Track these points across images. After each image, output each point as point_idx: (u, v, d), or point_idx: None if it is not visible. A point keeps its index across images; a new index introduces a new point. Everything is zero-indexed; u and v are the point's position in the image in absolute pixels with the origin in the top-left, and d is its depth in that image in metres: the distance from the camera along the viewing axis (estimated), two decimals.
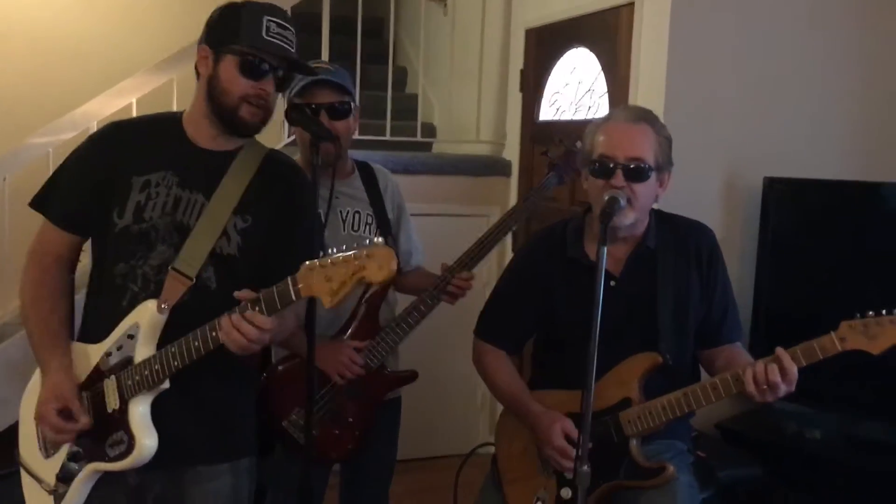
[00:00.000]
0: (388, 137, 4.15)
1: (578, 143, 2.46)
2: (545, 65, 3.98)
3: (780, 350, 1.86)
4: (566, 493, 2.07)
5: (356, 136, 3.90)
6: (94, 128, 3.25)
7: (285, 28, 1.77)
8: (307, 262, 1.55)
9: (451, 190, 4.05)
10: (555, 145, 2.55)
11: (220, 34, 1.78)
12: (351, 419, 2.36)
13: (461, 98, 4.58)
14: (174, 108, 3.52)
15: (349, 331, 2.38)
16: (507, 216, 2.44)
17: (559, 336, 2.22)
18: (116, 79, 3.43)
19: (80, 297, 1.91)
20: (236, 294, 1.65)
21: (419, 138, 4.39)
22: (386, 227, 2.46)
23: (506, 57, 4.34)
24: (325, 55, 3.91)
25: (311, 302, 1.80)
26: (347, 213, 2.40)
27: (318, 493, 2.42)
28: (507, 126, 4.33)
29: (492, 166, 4.20)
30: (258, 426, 2.02)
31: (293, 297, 1.58)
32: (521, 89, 4.17)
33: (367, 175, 2.50)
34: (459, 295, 2.38)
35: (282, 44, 1.76)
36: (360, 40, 4.12)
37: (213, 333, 1.66)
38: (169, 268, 1.76)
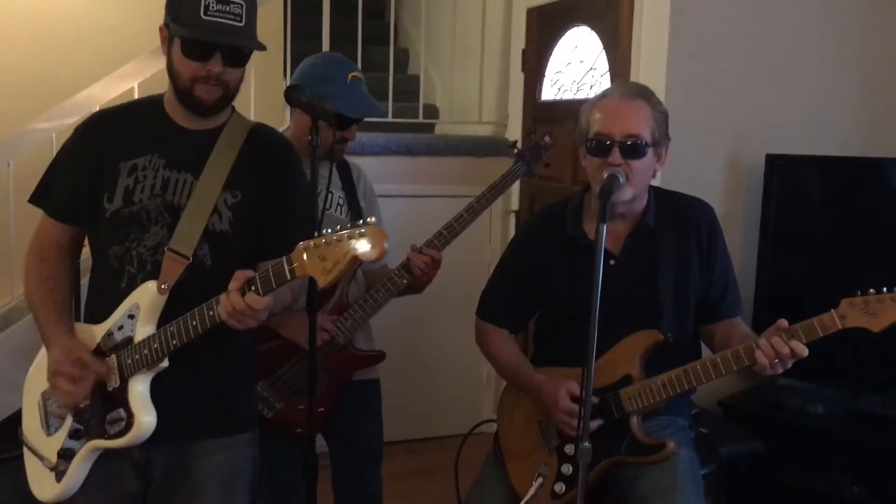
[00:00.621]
0: (390, 119, 4.14)
1: (547, 138, 2.64)
2: (547, 44, 3.97)
3: (781, 321, 1.87)
4: (567, 468, 2.09)
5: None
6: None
7: (227, 2, 1.71)
8: (301, 243, 1.56)
9: (453, 171, 4.05)
10: (526, 138, 2.65)
11: (168, 16, 1.77)
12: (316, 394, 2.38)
13: (463, 79, 4.57)
14: None
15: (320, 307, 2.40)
16: (475, 201, 2.49)
17: (560, 315, 2.23)
18: (119, 62, 3.42)
19: (85, 282, 1.94)
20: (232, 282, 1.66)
21: (421, 120, 4.38)
22: (357, 212, 2.50)
23: (507, 37, 4.32)
24: (326, 37, 3.89)
25: (312, 286, 1.82)
26: (321, 192, 2.42)
27: (292, 472, 2.40)
28: (510, 106, 4.32)
29: (494, 147, 4.19)
30: None
31: (288, 277, 1.59)
32: (523, 69, 4.16)
33: (341, 164, 2.54)
34: (423, 277, 2.41)
35: (222, 20, 1.71)
36: (360, 22, 4.11)
37: (211, 312, 1.68)
38: (165, 248, 1.77)
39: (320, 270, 1.53)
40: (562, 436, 2.13)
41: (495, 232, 4.22)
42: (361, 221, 1.51)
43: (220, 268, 1.78)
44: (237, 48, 1.77)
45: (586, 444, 1.80)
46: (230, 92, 1.81)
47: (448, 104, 4.86)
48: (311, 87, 2.31)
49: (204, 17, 1.70)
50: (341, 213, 2.49)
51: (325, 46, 3.89)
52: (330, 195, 2.44)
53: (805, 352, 1.84)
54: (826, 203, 3.15)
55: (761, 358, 1.87)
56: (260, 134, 1.92)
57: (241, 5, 1.74)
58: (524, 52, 4.15)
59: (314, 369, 1.91)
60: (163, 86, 1.91)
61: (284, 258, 1.59)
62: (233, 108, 1.92)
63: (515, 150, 2.70)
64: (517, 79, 4.23)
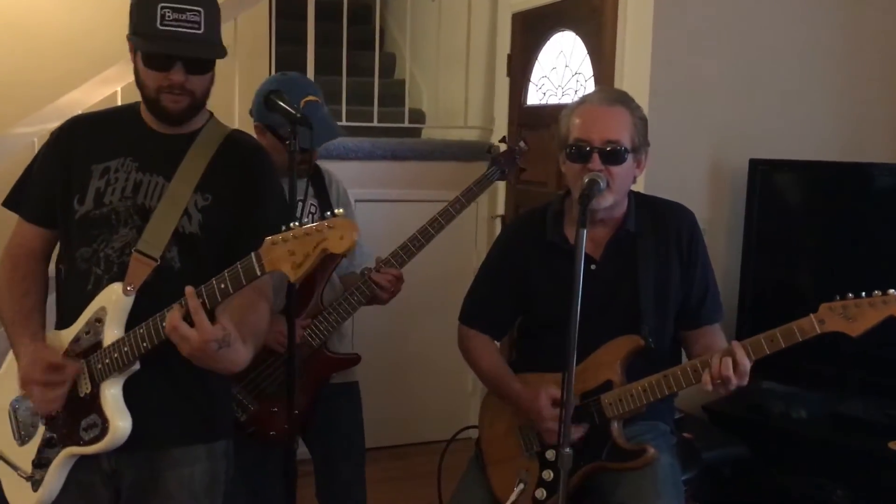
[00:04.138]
0: (375, 124, 4.14)
1: (521, 143, 2.68)
2: (532, 49, 3.98)
3: (734, 343, 1.89)
4: (548, 474, 2.09)
5: (344, 122, 3.94)
6: None
7: (183, 11, 1.69)
8: (269, 237, 1.54)
9: (439, 175, 4.04)
10: (503, 142, 2.75)
11: (129, 28, 1.76)
12: None
13: (449, 83, 4.57)
14: None
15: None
16: (448, 207, 2.52)
17: (540, 320, 2.22)
18: (101, 67, 3.41)
19: None
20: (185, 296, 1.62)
21: (407, 124, 4.38)
22: None
23: (493, 42, 4.33)
24: (310, 41, 3.89)
25: (290, 293, 1.81)
26: (299, 202, 2.42)
27: (271, 478, 2.41)
28: (495, 111, 4.32)
29: (480, 151, 4.18)
30: None
31: (258, 272, 1.57)
32: (509, 74, 4.16)
33: (313, 170, 2.54)
34: (386, 294, 2.45)
35: (179, 29, 1.69)
36: (346, 26, 4.10)
37: None
38: (132, 250, 1.76)
39: (290, 265, 1.51)
40: (542, 441, 2.13)
41: (481, 236, 4.23)
42: (329, 213, 1.49)
43: (188, 270, 1.76)
44: (195, 56, 1.75)
45: (567, 450, 1.79)
46: (197, 100, 1.80)
47: (434, 109, 4.86)
48: (261, 117, 2.33)
49: (160, 28, 1.69)
50: (312, 221, 2.46)
51: (311, 51, 3.88)
52: (300, 203, 2.43)
53: (746, 362, 1.85)
54: (809, 208, 3.16)
55: (706, 382, 1.88)
56: (235, 140, 1.91)
57: (199, 12, 1.72)
58: (509, 56, 4.15)
59: (292, 374, 1.90)
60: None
61: (253, 253, 1.56)
62: (210, 114, 1.92)
63: (491, 155, 2.71)
64: (503, 83, 4.23)
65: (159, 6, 1.69)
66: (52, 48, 4.30)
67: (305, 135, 2.05)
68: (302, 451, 2.54)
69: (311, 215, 2.48)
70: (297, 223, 1.52)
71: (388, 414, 3.90)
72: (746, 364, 1.86)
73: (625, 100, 2.12)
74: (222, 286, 1.61)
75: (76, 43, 4.24)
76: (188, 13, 1.70)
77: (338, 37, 4.08)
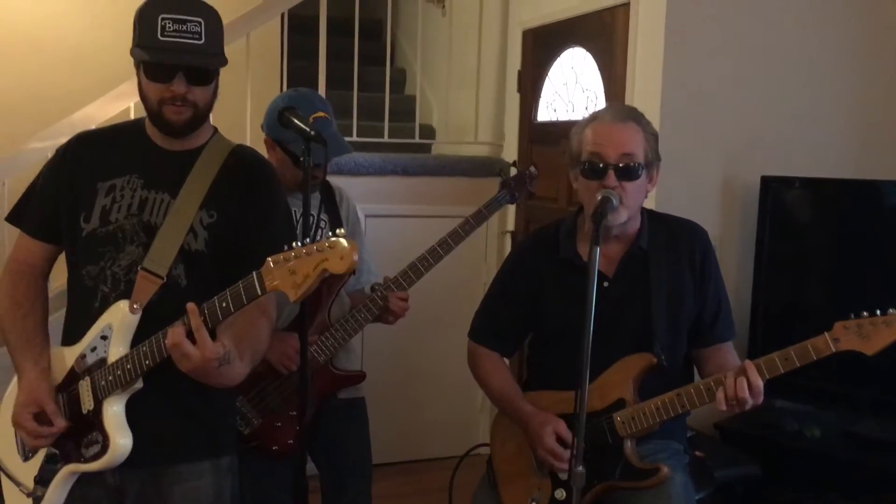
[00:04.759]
0: (386, 139, 4.15)
1: (532, 169, 2.68)
2: (542, 65, 3.98)
3: (748, 362, 1.87)
4: (560, 493, 2.07)
5: (355, 138, 3.95)
6: None
7: (183, 21, 1.70)
8: (271, 257, 1.55)
9: (449, 191, 4.05)
10: (513, 166, 2.77)
11: (133, 41, 1.77)
12: (293, 413, 2.38)
13: (459, 99, 4.58)
14: None
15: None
16: (457, 229, 2.52)
17: (553, 337, 2.21)
18: (115, 82, 3.43)
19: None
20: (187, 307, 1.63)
21: (417, 140, 4.39)
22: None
23: (503, 58, 4.34)
24: (322, 57, 3.90)
25: (303, 307, 1.81)
26: (312, 217, 2.43)
27: (278, 490, 2.39)
28: (506, 127, 4.33)
29: (490, 167, 4.20)
30: None
31: (258, 292, 1.58)
32: (519, 90, 4.17)
33: (324, 186, 2.55)
34: (395, 315, 2.46)
35: (180, 40, 1.70)
36: (357, 42, 4.12)
37: None
38: (139, 268, 1.76)
39: (290, 284, 1.52)
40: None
41: (491, 252, 4.22)
42: (331, 234, 1.50)
43: (194, 287, 1.77)
44: (196, 66, 1.75)
45: (580, 468, 1.78)
46: (200, 111, 1.80)
47: (444, 124, 4.87)
48: (272, 132, 2.34)
49: (161, 39, 1.70)
50: (321, 237, 2.47)
51: (322, 66, 3.90)
52: (310, 218, 2.44)
53: (759, 382, 1.84)
54: (821, 225, 3.15)
55: (720, 402, 1.87)
56: (240, 155, 1.91)
57: (200, 22, 1.72)
58: (520, 73, 4.16)
59: (304, 390, 1.90)
60: None
61: (255, 273, 1.57)
62: (215, 129, 1.92)
63: (502, 178, 2.72)
64: (513, 99, 4.24)
65: (160, 18, 1.69)
66: (66, 64, 4.33)
67: (318, 150, 2.07)
68: (309, 466, 2.54)
69: (320, 230, 2.48)
70: (297, 243, 1.53)
71: (398, 430, 3.89)
72: (760, 384, 1.85)
73: (636, 116, 2.12)
74: (223, 305, 1.61)
75: (90, 58, 4.28)
76: (189, 24, 1.71)
77: (349, 52, 4.10)
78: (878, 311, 1.77)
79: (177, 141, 1.84)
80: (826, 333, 1.80)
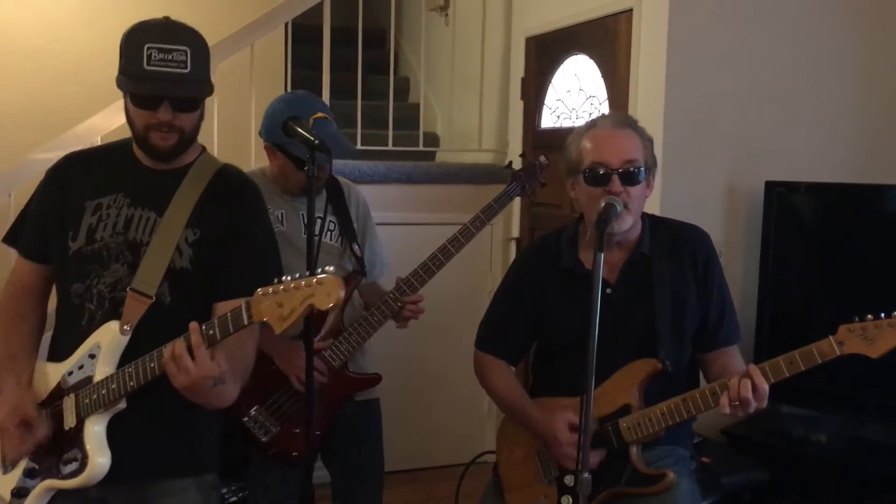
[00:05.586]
0: (390, 147, 4.16)
1: (542, 158, 2.64)
2: (546, 72, 3.99)
3: (752, 366, 1.87)
4: (567, 500, 2.07)
5: (359, 146, 3.96)
6: (98, 143, 3.27)
7: (169, 51, 1.71)
8: (260, 289, 1.57)
9: (454, 199, 4.05)
10: (522, 158, 2.73)
11: (119, 67, 1.79)
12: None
13: (463, 107, 4.59)
14: None
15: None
16: (468, 224, 2.51)
17: (557, 345, 2.21)
18: (119, 93, 3.44)
19: None
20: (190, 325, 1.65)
21: (421, 148, 4.39)
22: (351, 235, 2.51)
23: (506, 65, 4.35)
24: (326, 66, 3.92)
25: (308, 324, 1.83)
26: (318, 222, 2.44)
27: (295, 498, 2.41)
28: (509, 134, 4.34)
29: (494, 175, 4.19)
30: (231, 437, 2.03)
31: (245, 322, 1.60)
32: (523, 97, 4.18)
33: (332, 185, 2.54)
34: (411, 317, 2.47)
35: (165, 69, 1.71)
36: (360, 51, 4.14)
37: None
38: (128, 289, 1.77)
39: (277, 317, 1.55)
40: (561, 467, 2.11)
41: (496, 259, 4.22)
42: (320, 270, 1.53)
43: (178, 306, 1.79)
44: (183, 95, 1.77)
45: (586, 475, 1.78)
46: (186, 136, 1.82)
47: (448, 132, 4.88)
48: (272, 137, 2.34)
49: (147, 68, 1.71)
50: (332, 239, 2.49)
51: (326, 75, 3.92)
52: (318, 221, 2.44)
53: (764, 385, 1.84)
54: (825, 229, 3.14)
55: (723, 405, 1.87)
56: (225, 174, 1.92)
57: (186, 51, 1.73)
58: (523, 80, 4.17)
59: (311, 400, 1.90)
60: None
61: (243, 303, 1.60)
62: (203, 148, 1.94)
63: (511, 171, 2.70)
64: (516, 107, 4.25)
65: (145, 47, 1.71)
66: (71, 75, 4.36)
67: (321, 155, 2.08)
68: (321, 474, 2.55)
69: (329, 233, 2.48)
70: (287, 276, 1.56)
71: (403, 437, 3.87)
72: (765, 387, 1.84)
73: (631, 122, 2.14)
74: (211, 332, 1.64)
75: (95, 69, 4.29)
76: (174, 53, 1.72)
77: (353, 61, 4.12)
78: (883, 315, 1.77)
79: (162, 161, 1.86)
80: (831, 337, 1.80)
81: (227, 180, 1.91)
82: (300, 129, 1.99)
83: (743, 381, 1.85)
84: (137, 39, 1.72)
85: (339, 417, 2.46)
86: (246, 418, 2.38)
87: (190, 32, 1.77)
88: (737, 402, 1.85)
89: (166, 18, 1.78)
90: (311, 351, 1.90)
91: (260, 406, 2.37)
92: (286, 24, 3.96)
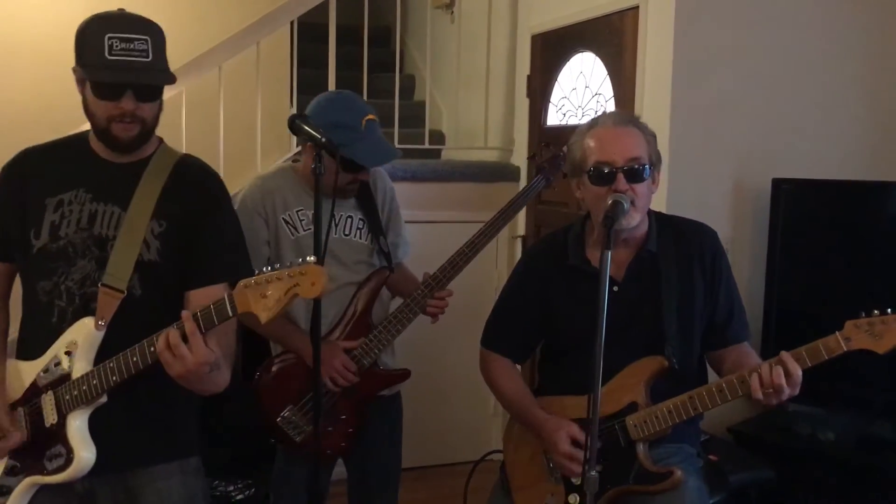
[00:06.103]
0: (396, 145, 4.15)
1: (565, 148, 2.54)
2: (552, 70, 3.99)
3: (784, 353, 1.85)
4: (574, 498, 2.07)
5: None
6: None
7: (130, 40, 1.72)
8: (243, 280, 1.58)
9: (460, 196, 4.06)
10: (542, 149, 2.68)
11: (77, 57, 1.79)
12: (344, 416, 2.41)
13: (469, 105, 4.59)
14: (183, 121, 3.55)
15: (344, 329, 2.42)
16: (495, 218, 2.50)
17: (564, 343, 2.21)
18: None
19: None
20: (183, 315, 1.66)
21: (427, 146, 4.38)
22: (377, 229, 2.50)
23: (512, 63, 4.34)
24: (332, 64, 3.92)
25: (317, 303, 1.82)
26: (340, 217, 2.43)
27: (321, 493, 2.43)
28: (515, 132, 4.33)
29: (500, 172, 4.21)
30: (256, 431, 2.03)
31: (230, 313, 1.61)
32: (528, 95, 4.18)
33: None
34: (438, 313, 2.46)
35: (128, 58, 1.72)
36: (366, 49, 4.14)
37: (152, 349, 1.68)
38: (99, 284, 1.77)
39: (262, 307, 1.56)
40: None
41: (502, 257, 4.22)
42: (301, 260, 1.54)
43: (149, 297, 1.80)
44: (145, 84, 1.77)
45: (593, 473, 1.78)
46: (147, 126, 1.82)
47: (454, 130, 4.88)
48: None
49: (109, 58, 1.71)
50: (361, 237, 2.48)
51: (332, 74, 3.92)
52: (349, 219, 2.44)
53: (798, 371, 1.82)
54: (833, 227, 3.13)
55: (755, 383, 1.85)
56: (187, 165, 1.92)
57: (147, 40, 1.74)
58: (529, 77, 4.17)
59: (318, 400, 1.91)
60: (168, 115, 1.93)
61: (226, 294, 1.61)
62: (160, 140, 1.93)
63: (535, 164, 2.67)
64: (522, 104, 4.24)
65: (106, 37, 1.71)
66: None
67: (364, 156, 2.13)
68: (339, 470, 2.58)
69: (358, 230, 2.47)
70: (268, 267, 1.57)
71: (411, 435, 3.86)
72: (798, 372, 1.82)
73: (634, 119, 2.14)
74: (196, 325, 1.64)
75: None
76: (135, 42, 1.73)
77: (358, 59, 4.13)
78: (890, 310, 1.76)
79: (120, 154, 1.85)
80: (837, 333, 1.80)
81: (189, 170, 1.91)
82: (306, 127, 1.98)
83: (775, 368, 1.83)
84: (97, 30, 1.73)
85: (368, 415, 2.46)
86: (279, 419, 2.38)
87: (148, 23, 1.78)
88: (770, 390, 1.84)
89: (121, 10, 1.79)
90: (318, 346, 1.90)
91: (293, 406, 2.38)
92: (292, 23, 3.96)
